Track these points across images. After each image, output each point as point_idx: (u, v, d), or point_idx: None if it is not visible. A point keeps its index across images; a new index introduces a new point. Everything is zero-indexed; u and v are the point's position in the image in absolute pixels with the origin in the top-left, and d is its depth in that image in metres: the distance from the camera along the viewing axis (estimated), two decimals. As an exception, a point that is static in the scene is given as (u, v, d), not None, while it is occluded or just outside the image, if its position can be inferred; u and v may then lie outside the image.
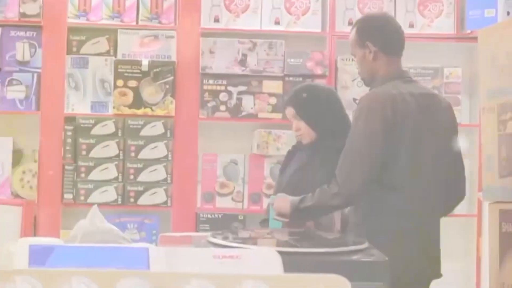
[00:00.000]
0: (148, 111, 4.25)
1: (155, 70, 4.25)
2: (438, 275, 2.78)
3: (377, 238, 2.16)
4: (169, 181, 4.23)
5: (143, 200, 4.22)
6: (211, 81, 4.26)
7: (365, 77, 2.86)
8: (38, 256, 1.33)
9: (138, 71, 4.24)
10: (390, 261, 1.77)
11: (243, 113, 4.27)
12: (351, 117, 3.10)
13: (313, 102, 3.10)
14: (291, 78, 4.27)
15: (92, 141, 4.21)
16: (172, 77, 4.25)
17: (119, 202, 4.21)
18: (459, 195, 2.87)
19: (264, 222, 3.04)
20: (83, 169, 4.20)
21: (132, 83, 4.24)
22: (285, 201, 2.76)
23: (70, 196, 4.19)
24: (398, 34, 2.85)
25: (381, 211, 2.67)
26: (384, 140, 2.64)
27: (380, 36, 2.80)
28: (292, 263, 1.40)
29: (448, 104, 2.87)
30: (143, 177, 4.22)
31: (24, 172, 4.21)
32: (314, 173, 2.99)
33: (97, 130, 4.22)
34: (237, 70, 4.26)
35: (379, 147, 2.64)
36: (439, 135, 2.76)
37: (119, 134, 4.23)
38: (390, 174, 2.65)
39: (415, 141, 2.67)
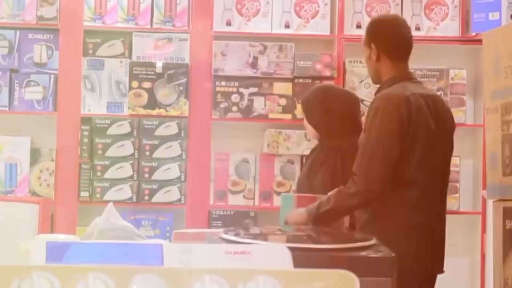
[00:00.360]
0: (162, 111, 4.28)
1: (169, 72, 4.28)
2: (441, 270, 2.82)
3: (386, 234, 2.20)
4: (182, 179, 4.26)
5: (157, 198, 4.25)
6: (223, 83, 4.29)
7: (371, 75, 2.93)
8: (55, 253, 1.34)
9: (153, 73, 4.27)
10: (397, 257, 1.81)
11: (254, 114, 4.30)
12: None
13: (314, 102, 3.14)
14: (300, 80, 4.29)
15: (108, 140, 4.25)
16: (185, 79, 4.29)
17: (134, 200, 4.24)
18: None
19: None
20: (99, 167, 4.24)
21: (147, 85, 4.28)
22: (300, 216, 2.76)
23: (86, 194, 4.23)
24: (403, 38, 2.87)
25: (392, 208, 2.71)
26: (399, 138, 2.68)
27: (384, 39, 2.84)
28: (301, 258, 1.40)
29: (448, 105, 2.96)
30: (158, 175, 4.26)
31: (41, 171, 4.25)
32: (315, 173, 3.03)
33: (112, 130, 4.26)
34: (249, 72, 4.28)
35: (395, 146, 2.67)
36: (444, 134, 2.82)
37: (134, 134, 4.27)
38: (403, 172, 2.69)
39: (427, 140, 2.72)
